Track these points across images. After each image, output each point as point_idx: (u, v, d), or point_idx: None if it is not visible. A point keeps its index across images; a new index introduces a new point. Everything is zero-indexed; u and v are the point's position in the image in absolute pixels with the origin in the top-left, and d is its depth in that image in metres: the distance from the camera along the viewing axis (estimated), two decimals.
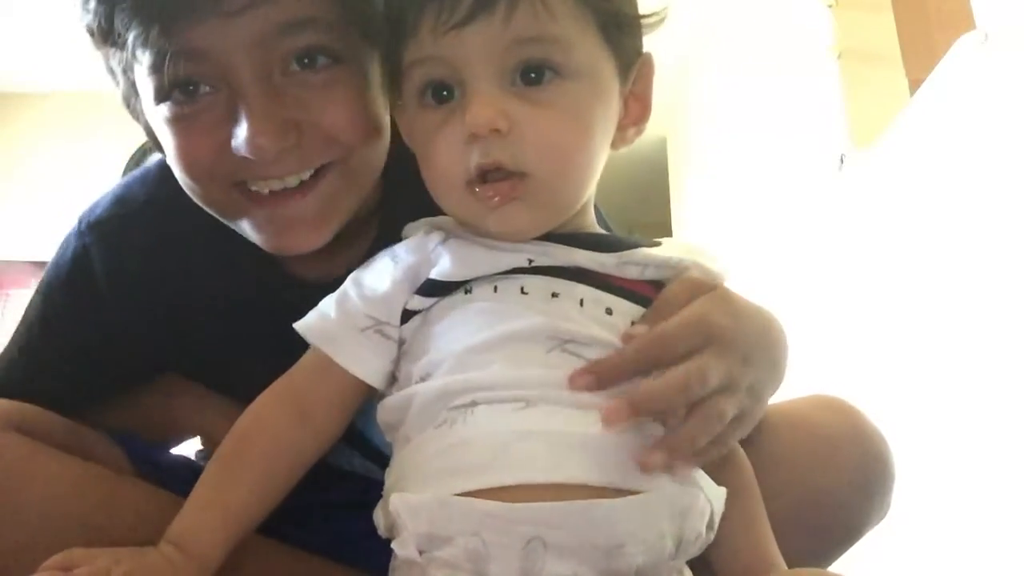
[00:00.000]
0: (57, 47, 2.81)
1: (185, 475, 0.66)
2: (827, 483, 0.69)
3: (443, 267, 0.57)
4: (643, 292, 0.58)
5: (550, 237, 0.57)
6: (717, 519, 0.55)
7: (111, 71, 0.67)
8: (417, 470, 0.53)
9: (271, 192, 0.64)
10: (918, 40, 1.80)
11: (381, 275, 0.59)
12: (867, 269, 1.70)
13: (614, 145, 0.60)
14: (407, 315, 0.58)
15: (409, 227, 0.63)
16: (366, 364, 0.57)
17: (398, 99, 0.59)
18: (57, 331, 0.76)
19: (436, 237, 0.59)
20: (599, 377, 0.53)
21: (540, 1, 0.53)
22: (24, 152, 3.02)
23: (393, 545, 0.53)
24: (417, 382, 0.56)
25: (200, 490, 0.56)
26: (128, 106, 0.69)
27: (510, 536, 0.49)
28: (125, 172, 3.00)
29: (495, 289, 0.56)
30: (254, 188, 0.64)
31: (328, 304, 0.59)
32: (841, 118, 1.79)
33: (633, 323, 0.56)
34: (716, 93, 2.81)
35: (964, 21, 1.34)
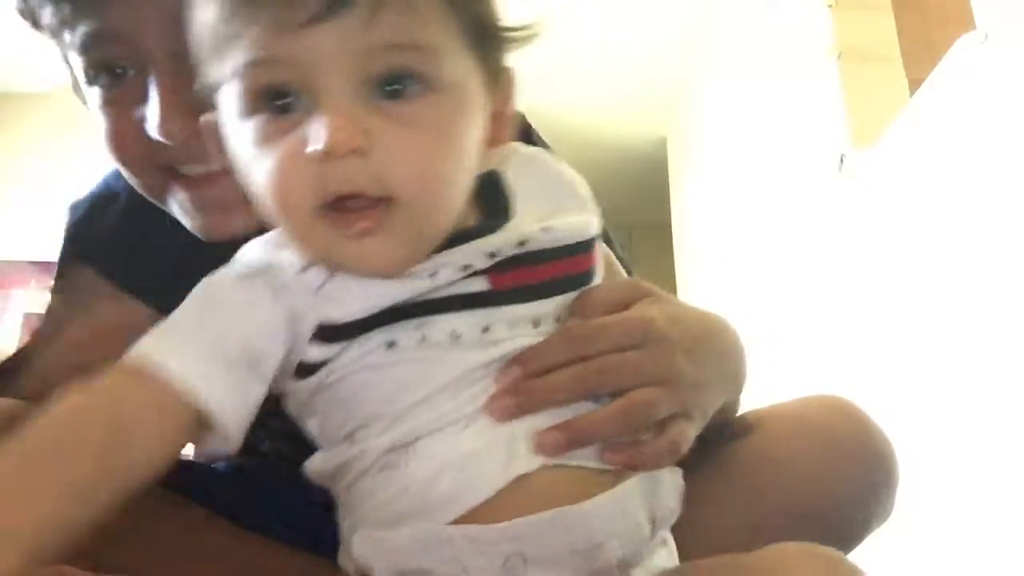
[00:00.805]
0: (57, 47, 2.80)
1: (186, 475, 0.66)
2: (829, 484, 0.68)
3: (343, 306, 0.49)
4: (562, 272, 0.54)
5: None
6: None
7: (64, 59, 0.67)
8: (376, 513, 0.50)
9: (197, 175, 0.63)
10: (918, 40, 1.80)
11: (257, 308, 0.49)
12: (867, 269, 1.70)
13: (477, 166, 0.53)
14: (305, 368, 0.50)
15: (255, 248, 0.53)
16: (228, 403, 0.47)
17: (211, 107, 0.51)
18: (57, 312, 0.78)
19: (319, 274, 0.50)
20: (519, 395, 0.49)
21: (408, 2, 0.46)
22: (24, 152, 3.02)
23: None
24: (344, 439, 0.51)
25: None
26: (76, 94, 0.69)
27: (489, 556, 0.47)
28: None
29: (422, 339, 0.49)
30: (183, 171, 0.63)
31: (184, 318, 0.49)
32: (841, 118, 1.79)
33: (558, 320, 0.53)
34: (716, 93, 2.80)
35: (964, 21, 1.34)
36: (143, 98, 0.60)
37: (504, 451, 0.49)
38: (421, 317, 0.50)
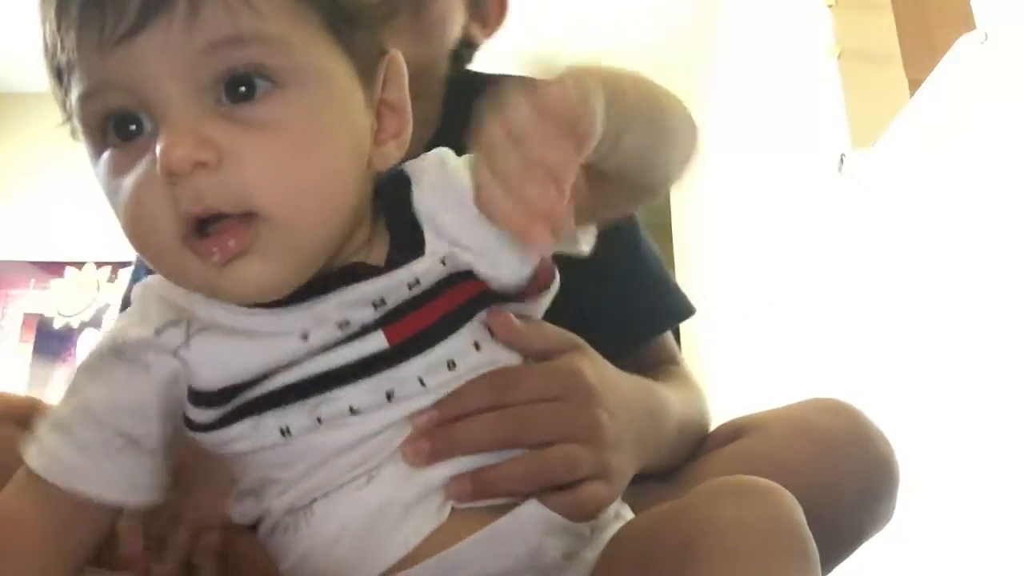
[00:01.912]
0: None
1: None
2: (829, 487, 0.67)
3: (205, 372, 0.45)
4: (454, 303, 0.48)
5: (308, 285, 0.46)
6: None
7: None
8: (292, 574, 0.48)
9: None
10: (918, 40, 1.80)
11: (127, 385, 0.46)
12: (867, 269, 1.70)
13: (372, 164, 0.48)
14: (196, 426, 0.47)
15: (137, 294, 0.49)
16: (127, 484, 0.46)
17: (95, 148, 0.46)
18: None
19: (176, 336, 0.46)
20: (434, 440, 0.46)
21: None
22: (24, 152, 3.02)
23: None
24: (249, 494, 0.49)
25: None
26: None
27: None
28: None
29: (317, 422, 0.45)
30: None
31: (57, 435, 0.46)
32: (841, 118, 1.79)
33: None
34: (716, 93, 2.80)
35: (964, 21, 1.34)
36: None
37: (411, 506, 0.46)
38: (314, 396, 0.45)
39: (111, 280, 2.97)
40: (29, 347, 2.91)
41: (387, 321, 0.46)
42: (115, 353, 0.47)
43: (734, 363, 2.54)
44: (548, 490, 0.48)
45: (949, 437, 1.36)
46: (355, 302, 0.46)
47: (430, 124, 0.76)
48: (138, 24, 0.40)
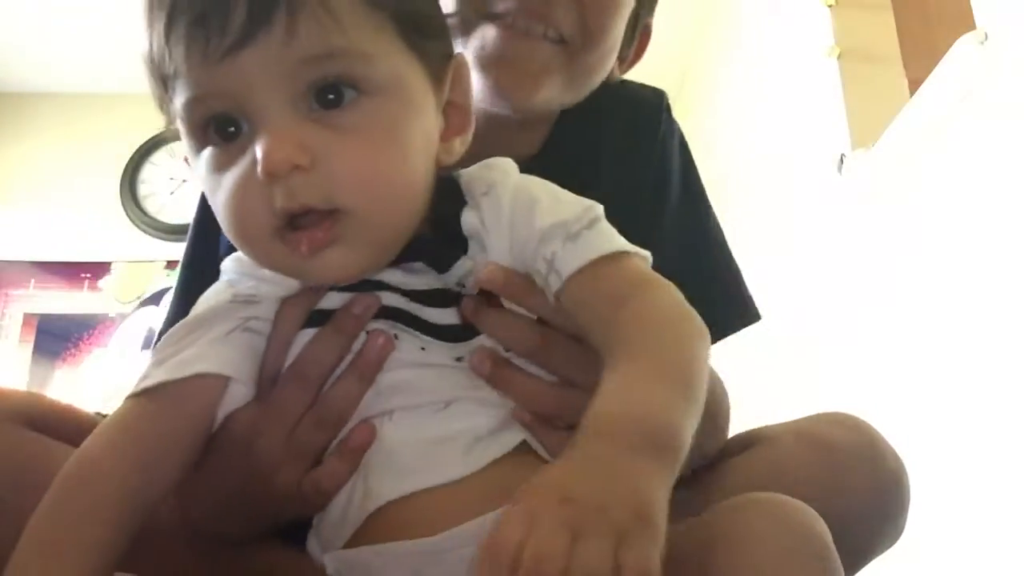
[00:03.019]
0: (57, 47, 2.81)
1: None
2: (836, 502, 0.65)
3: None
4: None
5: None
6: None
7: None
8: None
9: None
10: (918, 40, 1.80)
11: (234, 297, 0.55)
12: (867, 269, 1.70)
13: (439, 161, 0.53)
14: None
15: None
16: (240, 364, 0.52)
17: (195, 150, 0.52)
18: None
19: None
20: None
21: (325, 11, 0.46)
22: (24, 152, 3.02)
23: None
24: None
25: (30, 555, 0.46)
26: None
27: (449, 564, 0.47)
28: (124, 173, 3.00)
29: (396, 337, 0.52)
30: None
31: (162, 356, 0.52)
32: (841, 118, 1.79)
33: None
34: (716, 93, 2.80)
35: (964, 21, 1.34)
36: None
37: (480, 438, 0.51)
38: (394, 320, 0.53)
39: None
40: (29, 347, 2.90)
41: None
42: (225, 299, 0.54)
43: (734, 363, 2.53)
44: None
45: (949, 439, 1.36)
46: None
47: (534, 146, 0.78)
48: (241, 41, 0.45)
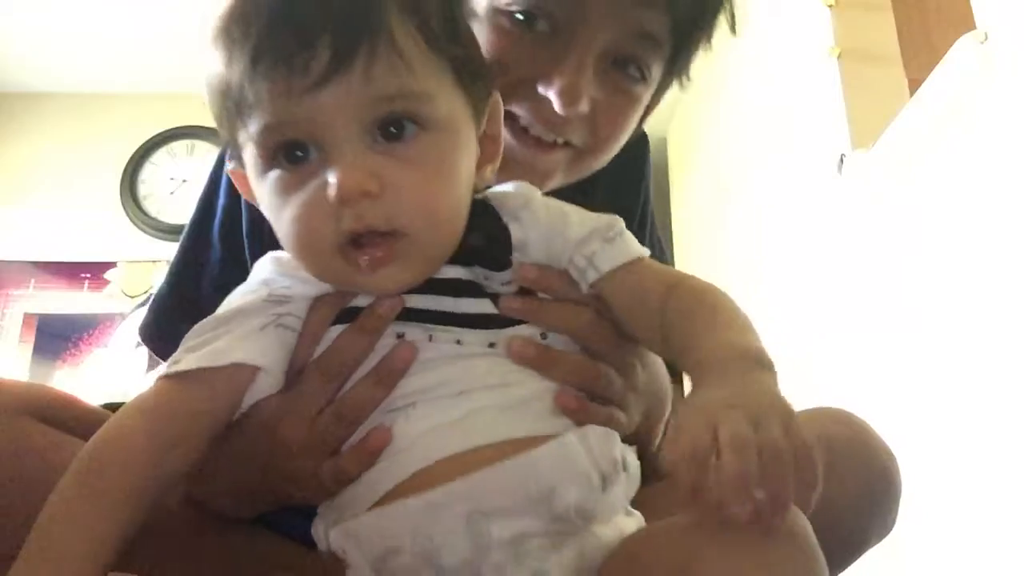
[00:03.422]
0: (57, 47, 2.81)
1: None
2: (829, 495, 0.65)
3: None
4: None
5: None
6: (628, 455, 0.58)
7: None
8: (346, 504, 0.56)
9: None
10: (918, 40, 1.81)
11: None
12: (867, 269, 1.70)
13: (474, 187, 0.59)
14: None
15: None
16: (272, 355, 0.56)
17: (239, 166, 0.58)
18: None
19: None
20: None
21: (398, 55, 0.52)
22: (24, 152, 3.02)
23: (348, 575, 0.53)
24: None
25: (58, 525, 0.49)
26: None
27: (451, 519, 0.50)
28: (124, 173, 3.00)
29: (430, 338, 0.56)
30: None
31: (197, 342, 0.56)
32: (841, 118, 1.79)
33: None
34: (716, 93, 2.80)
35: (964, 21, 1.34)
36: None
37: (466, 424, 0.54)
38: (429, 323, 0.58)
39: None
40: (29, 347, 2.91)
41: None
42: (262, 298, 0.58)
43: None
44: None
45: (948, 442, 1.36)
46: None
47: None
48: (323, 80, 0.50)
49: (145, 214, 2.98)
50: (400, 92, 0.52)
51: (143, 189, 3.01)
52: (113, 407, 0.59)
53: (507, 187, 0.62)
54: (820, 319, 1.91)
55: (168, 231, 2.95)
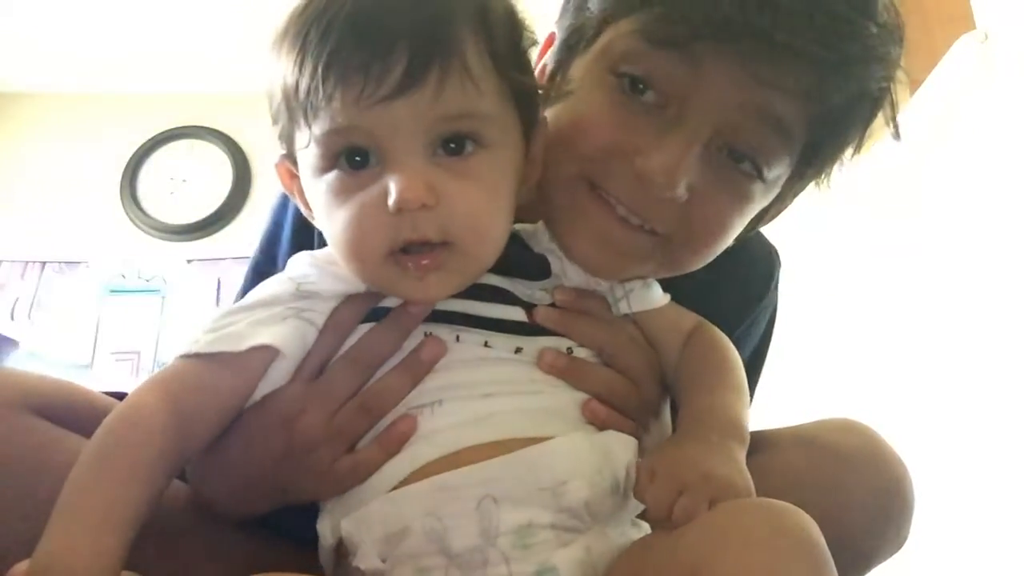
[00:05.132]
0: (57, 47, 2.80)
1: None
2: (839, 507, 0.65)
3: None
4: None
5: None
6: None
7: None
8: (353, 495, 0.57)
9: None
10: (918, 40, 1.80)
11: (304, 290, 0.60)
12: (867, 271, 1.70)
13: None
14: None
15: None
16: (292, 342, 0.58)
17: (286, 160, 0.60)
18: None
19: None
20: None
21: (468, 76, 0.53)
22: (24, 152, 3.02)
23: (355, 563, 0.53)
24: None
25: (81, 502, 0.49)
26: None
27: (462, 502, 0.52)
28: (124, 172, 3.00)
29: (457, 339, 0.59)
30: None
31: (218, 325, 0.58)
32: None
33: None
34: None
35: (964, 21, 1.34)
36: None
37: (487, 420, 0.57)
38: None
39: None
40: None
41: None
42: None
43: None
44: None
45: (957, 449, 1.36)
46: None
47: None
48: (396, 92, 0.51)
49: (145, 214, 2.98)
50: (466, 112, 0.54)
51: (143, 189, 3.01)
52: (119, 395, 0.60)
53: (527, 226, 0.65)
54: (821, 322, 1.90)
55: (168, 231, 2.94)
